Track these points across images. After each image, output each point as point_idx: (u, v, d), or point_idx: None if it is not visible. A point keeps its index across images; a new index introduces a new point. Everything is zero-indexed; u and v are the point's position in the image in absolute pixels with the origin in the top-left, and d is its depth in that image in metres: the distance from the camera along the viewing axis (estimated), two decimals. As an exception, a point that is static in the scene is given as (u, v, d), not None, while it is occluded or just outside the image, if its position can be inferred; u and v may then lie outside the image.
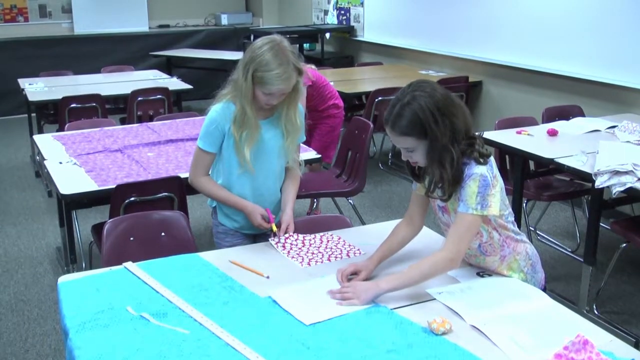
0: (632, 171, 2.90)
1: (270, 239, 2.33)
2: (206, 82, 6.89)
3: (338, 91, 4.58)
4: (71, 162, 3.36)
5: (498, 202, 1.90)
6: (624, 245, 3.24)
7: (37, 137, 3.94)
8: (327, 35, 7.96)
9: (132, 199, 2.94)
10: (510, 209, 2.04)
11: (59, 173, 3.19)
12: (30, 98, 5.31)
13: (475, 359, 1.61)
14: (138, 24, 8.86)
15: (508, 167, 3.94)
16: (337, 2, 8.05)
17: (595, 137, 3.64)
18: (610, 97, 4.61)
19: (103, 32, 8.49)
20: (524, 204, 3.83)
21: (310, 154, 3.57)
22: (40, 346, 3.15)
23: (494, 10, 5.60)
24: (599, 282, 3.42)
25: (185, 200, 3.08)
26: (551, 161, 3.31)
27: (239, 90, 2.27)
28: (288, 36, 2.33)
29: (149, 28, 8.99)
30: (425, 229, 2.22)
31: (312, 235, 2.36)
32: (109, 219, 2.55)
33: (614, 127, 3.79)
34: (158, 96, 5.30)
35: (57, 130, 4.55)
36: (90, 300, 1.88)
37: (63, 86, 5.66)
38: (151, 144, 3.72)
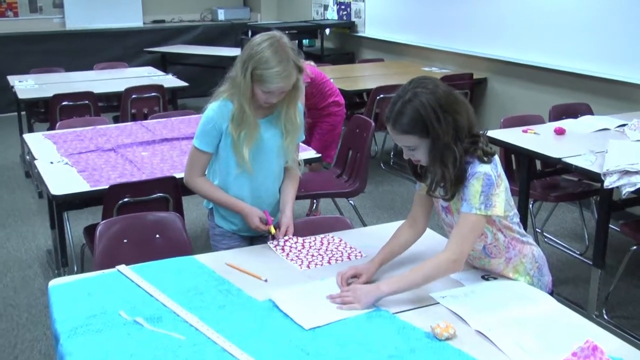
0: (642, 171, 2.89)
1: (269, 242, 2.32)
2: (202, 79, 6.89)
3: (338, 88, 4.54)
4: (62, 162, 3.33)
5: (502, 202, 1.88)
6: (634, 247, 3.24)
7: (27, 136, 3.92)
8: (327, 31, 7.95)
9: (126, 199, 2.93)
10: (516, 210, 2.03)
11: (49, 173, 3.16)
12: (20, 96, 5.26)
13: (480, 365, 1.59)
14: (132, 19, 8.81)
15: (514, 166, 3.92)
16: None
17: (604, 135, 3.63)
18: (620, 95, 4.58)
19: (95, 28, 8.43)
20: (531, 205, 3.82)
21: (310, 153, 3.55)
22: (29, 352, 3.11)
23: (499, 4, 5.56)
24: (608, 286, 3.40)
25: (180, 201, 3.07)
26: (558, 161, 3.29)
27: (237, 88, 2.27)
28: (287, 32, 2.30)
29: (143, 23, 8.94)
30: (428, 231, 2.20)
31: (312, 237, 2.35)
32: (102, 220, 2.55)
33: (623, 125, 3.76)
34: (153, 94, 5.27)
35: (48, 129, 4.52)
36: (82, 305, 1.87)
37: (54, 83, 5.61)
38: (145, 143, 3.70)
